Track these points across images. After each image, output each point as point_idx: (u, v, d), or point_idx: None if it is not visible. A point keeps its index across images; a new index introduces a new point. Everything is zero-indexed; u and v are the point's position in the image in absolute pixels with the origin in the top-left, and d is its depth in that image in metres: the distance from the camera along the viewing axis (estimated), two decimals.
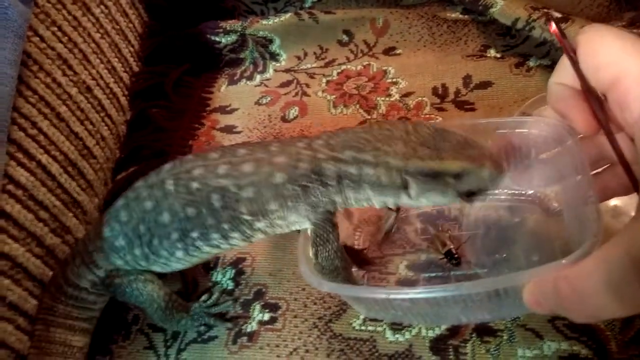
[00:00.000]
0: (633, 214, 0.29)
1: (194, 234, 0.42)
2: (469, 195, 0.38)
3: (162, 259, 0.44)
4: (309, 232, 0.41)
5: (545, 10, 0.61)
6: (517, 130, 0.41)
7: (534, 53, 0.62)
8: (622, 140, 0.34)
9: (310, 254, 0.41)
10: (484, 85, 0.61)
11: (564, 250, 0.44)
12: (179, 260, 0.44)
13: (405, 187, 0.38)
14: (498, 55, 0.64)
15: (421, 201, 0.39)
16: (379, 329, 0.44)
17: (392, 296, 0.36)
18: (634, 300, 0.27)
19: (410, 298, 0.36)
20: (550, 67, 0.61)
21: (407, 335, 0.44)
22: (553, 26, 0.36)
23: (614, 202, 0.46)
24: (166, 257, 0.44)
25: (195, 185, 0.41)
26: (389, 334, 0.44)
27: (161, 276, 0.47)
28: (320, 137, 0.41)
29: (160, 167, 0.44)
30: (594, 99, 0.34)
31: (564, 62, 0.35)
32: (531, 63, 0.62)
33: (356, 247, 0.49)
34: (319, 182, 0.40)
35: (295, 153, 0.40)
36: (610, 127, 0.34)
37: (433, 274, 0.46)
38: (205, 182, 0.41)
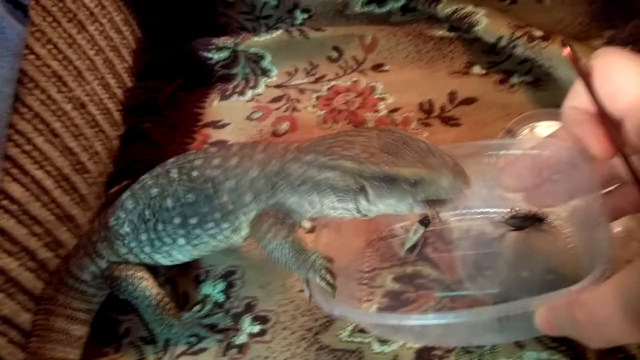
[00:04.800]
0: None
1: (193, 220, 0.46)
2: (432, 204, 0.38)
3: (166, 246, 0.47)
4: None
5: (528, 28, 0.63)
6: (529, 151, 0.42)
7: (517, 70, 0.64)
8: (637, 163, 0.34)
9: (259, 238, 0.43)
10: (469, 101, 0.63)
11: (553, 268, 0.45)
12: (181, 249, 0.47)
13: (362, 192, 0.39)
14: (483, 72, 0.66)
15: (379, 207, 0.40)
16: (366, 340, 0.45)
17: (403, 322, 0.37)
18: None
19: (422, 324, 0.36)
20: (533, 84, 0.63)
21: (394, 347, 0.45)
22: (567, 50, 0.36)
23: (617, 227, 0.46)
24: (170, 244, 0.47)
25: (195, 173, 0.46)
26: (375, 345, 0.45)
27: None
28: (298, 141, 0.44)
29: (165, 162, 0.48)
30: (609, 123, 0.34)
31: (578, 86, 0.36)
32: (514, 80, 0.64)
33: (367, 268, 0.50)
34: (285, 180, 0.42)
35: (272, 152, 0.44)
36: (626, 150, 0.34)
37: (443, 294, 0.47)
38: (203, 171, 0.45)
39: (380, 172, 0.38)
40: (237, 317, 0.49)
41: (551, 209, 0.47)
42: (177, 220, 0.46)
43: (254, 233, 0.44)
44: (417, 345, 0.44)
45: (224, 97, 0.70)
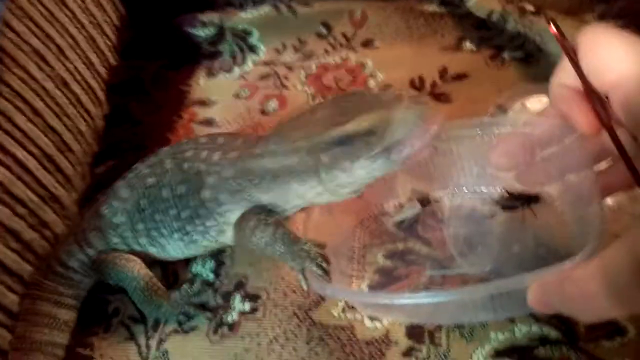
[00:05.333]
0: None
1: (184, 214, 0.45)
2: (396, 149, 0.36)
3: (162, 237, 0.46)
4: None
5: (520, 3, 0.62)
6: (520, 130, 0.42)
7: (508, 46, 0.63)
8: (623, 138, 0.34)
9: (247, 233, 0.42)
10: (460, 77, 0.62)
11: (543, 244, 0.45)
12: (175, 245, 0.46)
13: (321, 166, 0.37)
14: (474, 48, 0.65)
15: (346, 176, 0.37)
16: (358, 316, 0.45)
17: (395, 301, 0.37)
18: (638, 302, 0.27)
19: (414, 303, 0.36)
20: (524, 60, 0.62)
21: (385, 322, 0.45)
22: (552, 27, 0.36)
23: (607, 201, 0.46)
24: (166, 237, 0.46)
25: (185, 165, 0.45)
26: (367, 321, 0.45)
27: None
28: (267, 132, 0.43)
29: (158, 150, 0.47)
30: (596, 99, 0.34)
31: (565, 63, 0.36)
32: (506, 55, 0.63)
33: (357, 245, 0.49)
34: (248, 180, 0.41)
35: (245, 148, 0.42)
36: (612, 125, 0.34)
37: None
38: (192, 164, 0.44)
39: (328, 136, 0.36)
40: (227, 296, 0.49)
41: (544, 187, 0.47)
42: (172, 212, 0.45)
43: (241, 239, 0.43)
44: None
45: (211, 75, 0.69)
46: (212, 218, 0.44)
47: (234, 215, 0.44)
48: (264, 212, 0.42)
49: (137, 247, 0.47)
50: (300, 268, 0.40)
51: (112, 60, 0.67)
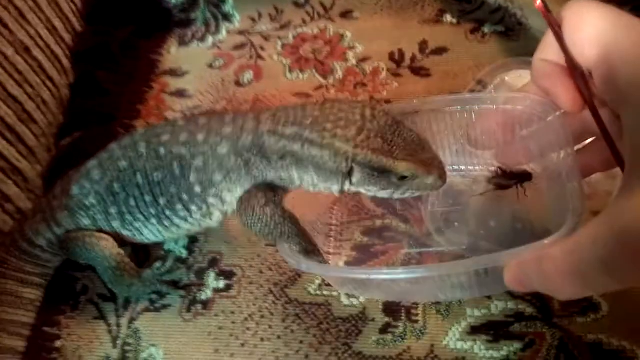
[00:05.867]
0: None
1: (162, 201, 0.43)
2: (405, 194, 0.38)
3: (138, 222, 0.44)
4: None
5: None
6: (501, 107, 0.41)
7: (488, 19, 0.62)
8: (605, 116, 0.34)
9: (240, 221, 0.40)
10: (440, 51, 0.61)
11: (519, 218, 0.45)
12: (153, 229, 0.44)
13: (349, 174, 0.37)
14: (454, 21, 0.64)
15: (360, 190, 0.38)
16: (334, 293, 0.45)
17: (372, 277, 0.36)
18: (620, 277, 0.27)
19: (391, 279, 0.36)
20: (505, 34, 0.61)
21: (362, 299, 0.44)
22: (538, 1, 0.35)
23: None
24: (142, 221, 0.44)
25: (162, 150, 0.42)
26: (344, 298, 0.45)
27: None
28: (271, 110, 0.40)
29: (133, 131, 0.45)
30: (579, 75, 0.34)
31: (549, 38, 0.35)
32: (486, 29, 0.62)
33: (334, 223, 0.48)
34: (260, 156, 0.39)
35: (241, 124, 0.40)
36: (594, 103, 0.34)
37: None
38: (170, 148, 0.41)
39: (376, 160, 0.35)
40: (201, 273, 0.47)
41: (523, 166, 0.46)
42: (147, 198, 0.43)
43: (246, 217, 0.40)
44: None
45: (183, 44, 0.66)
46: (199, 201, 0.42)
47: (232, 194, 0.41)
48: (270, 190, 0.40)
49: (109, 230, 0.45)
50: (300, 250, 0.39)
51: (77, 26, 0.64)
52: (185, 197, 0.42)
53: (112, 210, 0.44)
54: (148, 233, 0.45)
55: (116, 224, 0.44)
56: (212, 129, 0.41)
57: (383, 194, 0.38)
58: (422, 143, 0.37)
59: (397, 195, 0.38)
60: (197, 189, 0.41)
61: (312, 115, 0.37)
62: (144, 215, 0.43)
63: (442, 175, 0.37)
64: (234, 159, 0.40)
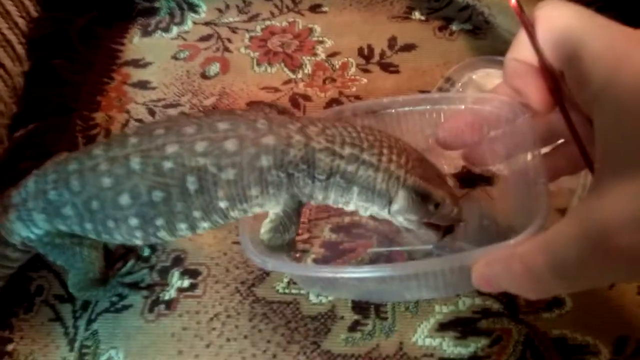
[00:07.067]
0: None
1: (158, 222, 0.38)
2: (436, 224, 0.38)
3: (116, 241, 0.40)
4: (273, 215, 0.39)
5: None
6: (469, 107, 0.41)
7: (456, 17, 0.63)
8: (574, 119, 0.34)
9: (263, 233, 0.39)
10: (409, 47, 0.61)
11: (486, 216, 0.45)
12: (134, 241, 0.40)
13: (394, 199, 0.37)
14: (422, 18, 0.64)
15: (397, 218, 0.38)
16: (303, 292, 0.44)
17: (339, 275, 0.36)
18: (589, 276, 0.27)
19: (358, 277, 0.35)
20: (472, 32, 0.62)
21: (330, 297, 0.44)
22: (513, 0, 0.35)
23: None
24: (120, 241, 0.40)
25: (168, 165, 0.36)
26: (312, 296, 0.44)
27: None
28: (314, 123, 0.38)
29: (125, 139, 0.38)
30: (551, 76, 0.34)
31: (521, 38, 0.34)
32: (454, 27, 0.62)
33: (302, 220, 0.46)
34: (307, 172, 0.37)
35: (286, 136, 0.36)
36: (565, 104, 0.34)
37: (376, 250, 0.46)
38: (182, 161, 0.36)
39: (422, 186, 0.36)
40: (164, 272, 0.46)
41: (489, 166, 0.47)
42: (133, 222, 0.38)
43: (268, 236, 0.39)
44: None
45: (146, 34, 0.64)
46: (217, 217, 0.38)
47: (262, 208, 0.38)
48: (298, 210, 0.39)
49: (90, 236, 0.41)
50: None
51: (32, 11, 0.61)
52: (198, 214, 0.37)
53: (88, 226, 0.39)
54: (126, 242, 0.41)
55: (93, 236, 0.40)
56: (244, 137, 0.36)
57: (413, 223, 0.38)
58: (442, 176, 0.39)
59: (421, 226, 0.38)
60: (223, 204, 0.37)
61: (365, 138, 0.37)
62: (124, 238, 0.40)
63: (461, 209, 0.38)
64: (275, 173, 0.36)
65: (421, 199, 0.37)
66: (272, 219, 0.39)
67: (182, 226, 0.38)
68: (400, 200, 0.37)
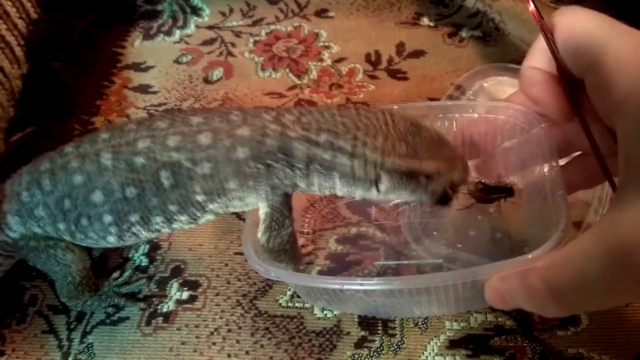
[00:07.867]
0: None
1: (133, 218, 0.37)
2: (434, 195, 0.36)
3: (90, 240, 0.39)
4: (263, 215, 0.37)
5: None
6: (483, 116, 0.40)
7: (466, 24, 0.62)
8: (594, 131, 0.32)
9: (260, 236, 0.38)
10: (417, 54, 0.60)
11: (498, 229, 0.43)
12: (110, 244, 0.39)
13: (376, 181, 0.35)
14: (431, 24, 0.63)
15: (389, 197, 0.37)
16: (307, 305, 0.42)
17: (345, 286, 0.34)
18: (611, 294, 0.26)
19: (365, 290, 0.34)
20: (482, 39, 0.60)
21: (336, 312, 0.42)
22: (531, 6, 0.34)
23: None
24: (95, 240, 0.39)
25: (140, 160, 0.36)
26: (317, 310, 0.42)
27: None
28: (290, 112, 0.37)
29: (96, 134, 0.38)
30: (570, 84, 0.32)
31: (539, 45, 0.34)
32: (464, 34, 0.61)
33: (306, 231, 0.46)
34: (285, 162, 0.36)
35: (261, 126, 0.36)
36: (585, 114, 0.33)
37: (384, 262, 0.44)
38: (154, 156, 0.36)
39: (404, 166, 0.35)
40: (162, 283, 0.44)
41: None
42: (107, 219, 0.37)
43: (267, 239, 0.38)
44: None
45: (148, 37, 0.63)
46: (194, 210, 0.37)
47: (242, 201, 0.37)
48: (288, 201, 0.37)
49: (65, 238, 0.40)
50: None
51: (32, 13, 0.60)
52: (173, 208, 0.37)
53: (61, 226, 0.39)
54: (105, 243, 0.40)
55: (67, 237, 0.40)
56: (218, 130, 0.36)
57: (413, 198, 0.36)
58: (441, 140, 0.36)
59: (426, 198, 0.36)
60: (200, 198, 0.37)
61: (341, 122, 0.36)
62: (97, 235, 0.39)
63: (465, 168, 0.36)
64: (253, 164, 0.36)
65: (406, 176, 0.35)
66: (263, 218, 0.38)
67: (158, 220, 0.38)
68: (385, 182, 0.36)
